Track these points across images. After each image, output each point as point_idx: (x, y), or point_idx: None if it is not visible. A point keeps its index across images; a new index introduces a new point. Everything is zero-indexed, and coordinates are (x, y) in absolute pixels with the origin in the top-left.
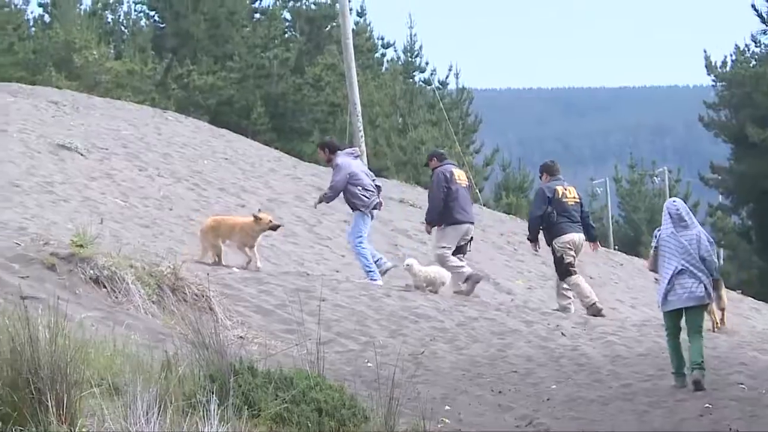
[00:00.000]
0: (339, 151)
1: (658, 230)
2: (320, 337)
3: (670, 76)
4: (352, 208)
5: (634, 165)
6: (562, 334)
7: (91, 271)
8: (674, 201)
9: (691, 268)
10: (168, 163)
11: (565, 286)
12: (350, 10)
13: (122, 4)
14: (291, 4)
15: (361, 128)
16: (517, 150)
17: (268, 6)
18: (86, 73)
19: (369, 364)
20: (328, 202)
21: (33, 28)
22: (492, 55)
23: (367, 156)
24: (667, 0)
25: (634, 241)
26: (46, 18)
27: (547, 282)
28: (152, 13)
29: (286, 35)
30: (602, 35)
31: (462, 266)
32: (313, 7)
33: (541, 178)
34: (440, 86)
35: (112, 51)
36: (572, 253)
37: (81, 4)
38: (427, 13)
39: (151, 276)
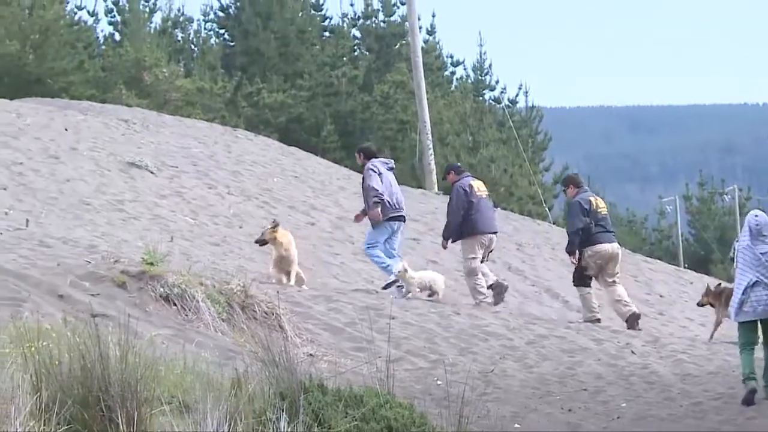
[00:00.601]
0: (374, 159)
1: (737, 241)
2: (390, 354)
3: (740, 93)
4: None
5: (703, 183)
6: (632, 352)
7: (162, 289)
8: (756, 215)
9: (766, 280)
10: (238, 180)
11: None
12: (420, 28)
13: (192, 22)
14: (361, 22)
15: (431, 146)
16: (586, 167)
17: (338, 24)
18: (156, 91)
19: (439, 382)
20: (376, 208)
21: (103, 46)
22: (561, 74)
23: (436, 174)
24: (737, 18)
25: (704, 259)
26: (117, 36)
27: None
28: (222, 31)
29: (356, 53)
30: (671, 53)
31: (482, 280)
32: (382, 25)
33: (565, 191)
34: (510, 104)
35: (181, 69)
36: (598, 263)
37: (151, 23)
38: (497, 31)
39: (221, 294)
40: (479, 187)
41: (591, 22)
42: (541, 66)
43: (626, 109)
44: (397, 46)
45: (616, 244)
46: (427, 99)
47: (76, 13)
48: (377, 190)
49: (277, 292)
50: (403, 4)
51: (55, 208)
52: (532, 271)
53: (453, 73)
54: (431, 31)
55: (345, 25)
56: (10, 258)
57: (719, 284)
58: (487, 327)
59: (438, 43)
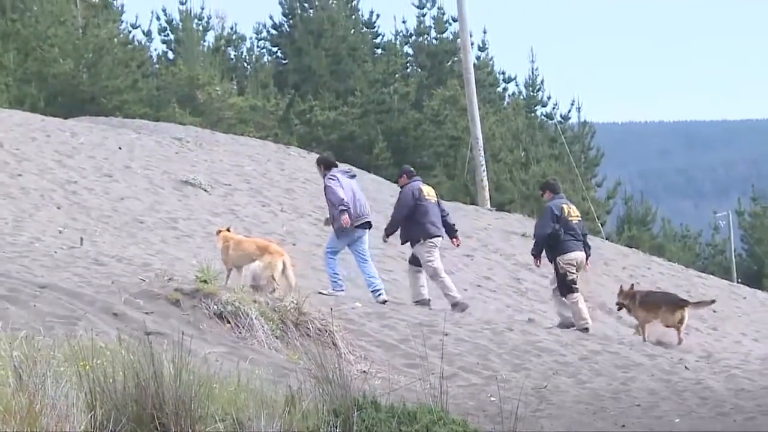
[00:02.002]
0: (334, 168)
1: None
2: (443, 371)
3: None
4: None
5: (756, 198)
6: (686, 367)
7: (215, 307)
8: None
9: None
10: (291, 198)
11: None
12: (472, 44)
13: (245, 40)
14: (413, 38)
15: (483, 162)
16: (639, 183)
17: (389, 41)
18: (209, 109)
19: (492, 399)
20: (343, 216)
21: (157, 65)
22: (613, 89)
23: (489, 190)
24: None
25: (757, 274)
26: (170, 55)
27: None
28: (274, 49)
29: (408, 70)
30: (725, 67)
31: (448, 279)
32: (434, 42)
33: (542, 196)
34: (562, 120)
35: (234, 87)
36: (574, 270)
37: (204, 41)
38: (549, 47)
39: (275, 311)
40: (429, 192)
41: (643, 38)
42: (593, 82)
43: (679, 124)
44: (449, 63)
45: (583, 254)
46: (480, 115)
47: (129, 32)
48: (343, 200)
49: (331, 309)
50: (455, 20)
51: (109, 227)
52: (585, 287)
53: (505, 89)
54: (483, 48)
55: (397, 42)
56: (65, 276)
57: (632, 285)
58: (540, 343)
59: (490, 59)
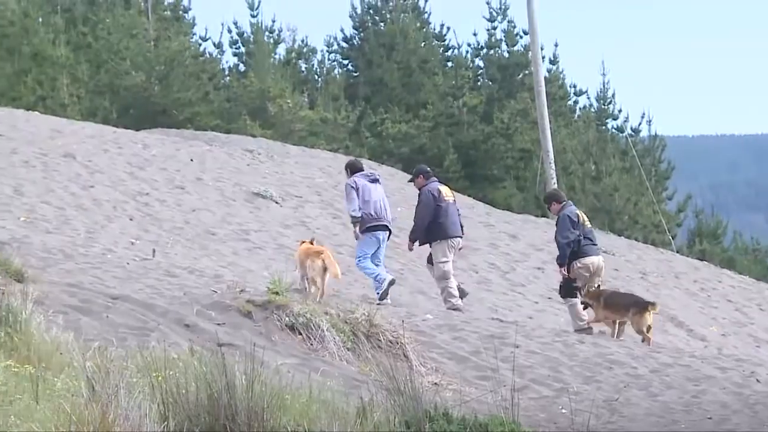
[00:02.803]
0: (358, 173)
1: None
2: (514, 383)
3: None
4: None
5: None
6: (757, 380)
7: (287, 318)
8: None
9: None
10: None
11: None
12: (543, 57)
13: (316, 53)
14: (484, 51)
15: (554, 175)
16: (710, 196)
17: (459, 53)
18: (280, 121)
19: (563, 411)
20: (356, 222)
21: (228, 77)
22: (684, 103)
23: None
24: None
25: None
26: (241, 67)
27: (742, 329)
28: (345, 61)
29: (479, 83)
30: None
31: (454, 284)
32: (505, 55)
33: (549, 208)
34: (633, 133)
35: (305, 99)
36: (586, 275)
37: (275, 54)
38: (619, 60)
39: (346, 323)
40: (446, 193)
41: (713, 51)
42: (664, 95)
43: (750, 137)
44: (520, 76)
45: (602, 257)
46: (551, 128)
47: (200, 45)
48: (351, 208)
49: (402, 321)
50: (526, 33)
51: (181, 238)
52: (656, 300)
53: (576, 102)
54: (554, 61)
55: (468, 55)
56: (137, 288)
57: (598, 285)
58: (611, 355)
59: (561, 72)
